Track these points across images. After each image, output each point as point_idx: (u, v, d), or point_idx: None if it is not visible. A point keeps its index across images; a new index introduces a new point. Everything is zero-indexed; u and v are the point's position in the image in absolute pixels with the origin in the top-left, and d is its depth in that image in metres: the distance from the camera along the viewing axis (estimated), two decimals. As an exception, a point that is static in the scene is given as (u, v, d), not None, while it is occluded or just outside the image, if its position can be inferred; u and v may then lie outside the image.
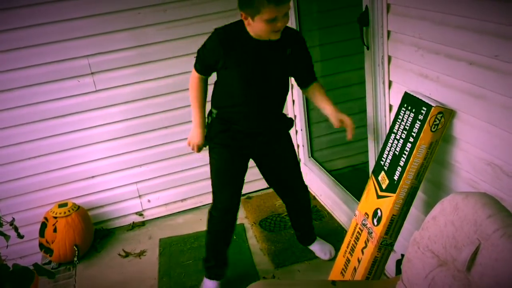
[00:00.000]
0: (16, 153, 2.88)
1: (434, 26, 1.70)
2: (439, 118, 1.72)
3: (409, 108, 1.86)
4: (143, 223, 3.30)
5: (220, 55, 2.06)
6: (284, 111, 3.24)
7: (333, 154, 3.40)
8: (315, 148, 3.36)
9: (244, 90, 2.14)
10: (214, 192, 2.39)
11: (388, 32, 1.98)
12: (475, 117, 1.63)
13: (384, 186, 1.91)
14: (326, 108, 2.19)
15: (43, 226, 2.93)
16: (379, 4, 1.97)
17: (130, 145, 3.10)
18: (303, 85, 2.30)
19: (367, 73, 2.20)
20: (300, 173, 2.53)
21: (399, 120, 1.90)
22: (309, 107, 3.20)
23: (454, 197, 1.38)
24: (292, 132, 3.35)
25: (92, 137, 3.00)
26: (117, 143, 3.07)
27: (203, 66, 2.18)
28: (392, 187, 1.86)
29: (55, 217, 2.90)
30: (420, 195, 2.03)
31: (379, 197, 1.93)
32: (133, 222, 3.29)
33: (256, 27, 1.96)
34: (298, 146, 3.41)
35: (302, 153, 3.38)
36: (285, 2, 1.87)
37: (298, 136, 3.36)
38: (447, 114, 1.72)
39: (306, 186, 2.58)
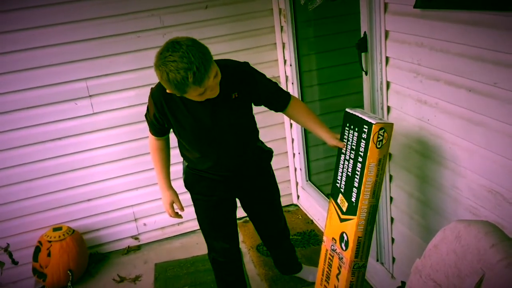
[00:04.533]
0: (12, 176, 2.86)
1: (433, 53, 1.71)
2: (382, 134, 1.72)
3: (352, 127, 1.85)
4: (138, 247, 3.25)
5: (159, 115, 1.92)
6: (281, 136, 3.29)
7: (331, 177, 3.39)
8: (313, 171, 3.35)
9: (198, 144, 1.99)
10: (207, 242, 2.29)
11: (387, 58, 1.99)
12: (474, 143, 1.62)
13: (344, 209, 1.89)
14: (318, 131, 2.00)
15: (37, 250, 2.88)
16: (378, 30, 1.99)
17: (127, 167, 3.08)
18: (277, 110, 2.07)
19: (365, 98, 2.20)
20: (280, 208, 2.39)
21: (345, 140, 1.90)
22: (306, 130, 3.20)
23: (456, 225, 1.37)
24: (289, 155, 3.37)
25: (88, 160, 2.98)
26: (114, 166, 3.05)
27: (153, 128, 2.04)
28: (352, 210, 1.84)
29: (50, 241, 2.85)
30: (420, 222, 2.02)
31: (342, 220, 1.91)
32: (129, 246, 3.25)
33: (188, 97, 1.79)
34: (295, 169, 3.40)
35: (300, 177, 3.37)
36: (206, 77, 1.66)
37: (296, 160, 3.35)
38: (388, 128, 1.73)
39: (284, 222, 2.46)
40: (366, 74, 2.14)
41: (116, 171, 3.07)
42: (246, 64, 1.96)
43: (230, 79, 1.86)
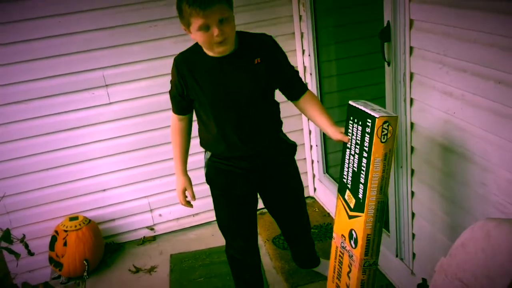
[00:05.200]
0: (28, 165, 2.86)
1: (460, 43, 1.65)
2: (386, 128, 1.64)
3: (355, 121, 1.78)
4: (154, 238, 3.25)
5: (179, 78, 1.89)
6: (298, 127, 3.24)
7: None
8: (330, 164, 3.29)
9: (217, 117, 1.91)
10: (225, 238, 2.25)
11: (411, 48, 1.92)
12: (503, 138, 1.56)
13: (352, 206, 1.83)
14: (323, 125, 1.93)
15: (53, 239, 2.89)
16: (402, 19, 1.92)
17: (143, 158, 3.06)
18: (291, 97, 2.03)
19: (387, 89, 2.14)
20: (303, 204, 2.35)
21: (350, 134, 1.82)
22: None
23: (485, 223, 1.31)
24: (306, 147, 3.32)
25: (104, 150, 2.97)
26: (129, 156, 3.04)
27: (175, 103, 2.00)
28: (359, 206, 1.78)
29: (66, 231, 2.86)
30: (443, 217, 1.96)
31: (350, 217, 1.84)
32: (144, 237, 3.24)
33: (197, 39, 1.78)
34: (312, 161, 3.36)
35: (317, 169, 3.32)
36: (209, 6, 1.65)
37: (313, 152, 3.30)
38: (393, 122, 1.65)
39: (307, 217, 2.42)
40: (388, 65, 2.08)
41: (132, 161, 3.05)
42: (270, 36, 1.96)
43: (253, 44, 1.88)
